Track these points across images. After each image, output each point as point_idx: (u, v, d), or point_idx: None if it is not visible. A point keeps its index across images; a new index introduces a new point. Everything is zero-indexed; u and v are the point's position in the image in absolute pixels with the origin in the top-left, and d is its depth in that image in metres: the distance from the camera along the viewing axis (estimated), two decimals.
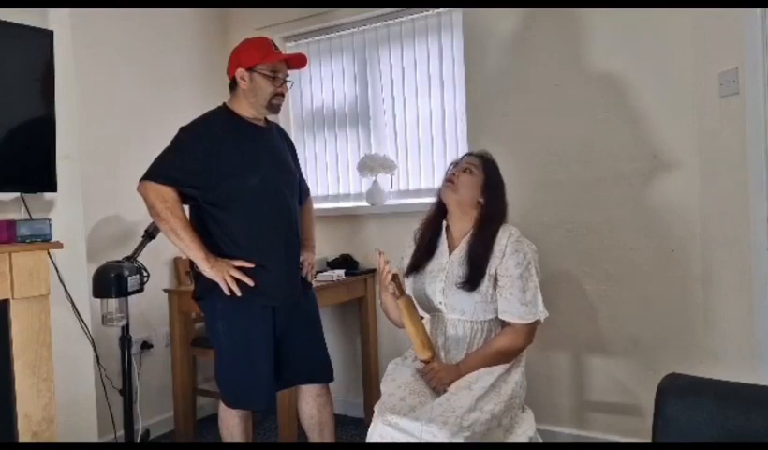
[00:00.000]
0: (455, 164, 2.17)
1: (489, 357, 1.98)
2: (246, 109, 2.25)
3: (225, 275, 2.13)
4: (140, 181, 2.20)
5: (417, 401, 1.87)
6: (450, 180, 2.10)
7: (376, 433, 1.80)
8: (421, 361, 2.03)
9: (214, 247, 2.18)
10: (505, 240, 2.02)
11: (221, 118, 2.25)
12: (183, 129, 2.23)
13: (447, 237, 2.13)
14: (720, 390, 1.43)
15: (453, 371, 1.97)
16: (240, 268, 2.15)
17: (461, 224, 2.10)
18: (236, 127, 2.23)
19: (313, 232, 2.52)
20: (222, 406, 2.30)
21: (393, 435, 1.75)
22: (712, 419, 1.36)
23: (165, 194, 2.14)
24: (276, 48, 2.28)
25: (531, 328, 2.02)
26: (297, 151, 2.52)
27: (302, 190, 2.47)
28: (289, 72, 2.30)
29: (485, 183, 2.08)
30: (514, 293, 1.98)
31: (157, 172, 2.17)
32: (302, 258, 2.35)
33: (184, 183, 2.16)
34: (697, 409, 1.39)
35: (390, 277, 2.05)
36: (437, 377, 1.96)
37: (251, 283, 2.14)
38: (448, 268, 2.07)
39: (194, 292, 2.31)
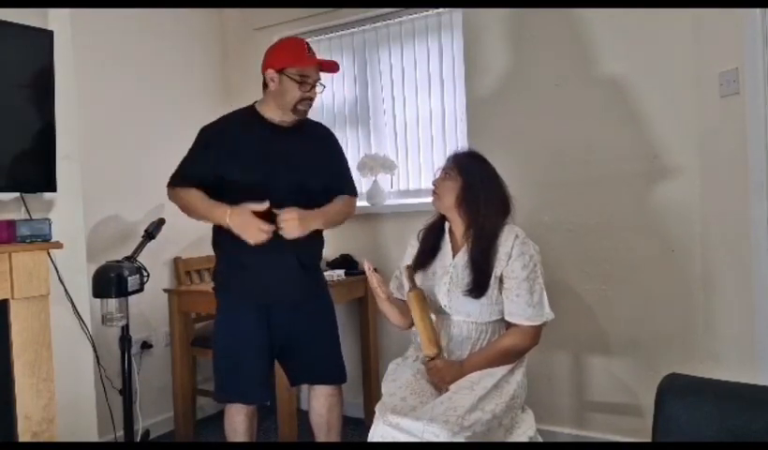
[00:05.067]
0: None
1: (493, 357, 1.98)
2: (273, 110, 2.23)
3: (251, 230, 2.11)
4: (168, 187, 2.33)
5: (418, 401, 1.87)
6: (434, 191, 2.10)
7: (378, 434, 1.80)
8: (426, 356, 2.02)
9: (219, 240, 2.26)
10: (511, 242, 2.00)
11: (240, 117, 2.28)
12: (205, 131, 2.31)
13: (450, 239, 2.13)
14: (720, 390, 1.44)
15: (457, 370, 1.96)
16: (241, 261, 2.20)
17: (460, 227, 2.10)
18: (252, 126, 2.22)
19: (332, 209, 2.33)
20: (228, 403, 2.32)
21: (395, 435, 1.75)
22: (712, 419, 1.36)
23: (178, 190, 2.26)
24: (310, 51, 2.22)
25: (538, 330, 2.01)
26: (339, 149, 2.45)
27: (335, 189, 2.35)
28: (322, 75, 2.25)
29: (463, 187, 2.04)
30: (521, 296, 1.97)
31: (176, 176, 2.29)
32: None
33: (196, 179, 2.23)
34: (697, 409, 1.39)
35: (375, 280, 2.06)
36: (440, 374, 1.96)
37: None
38: (452, 271, 2.06)
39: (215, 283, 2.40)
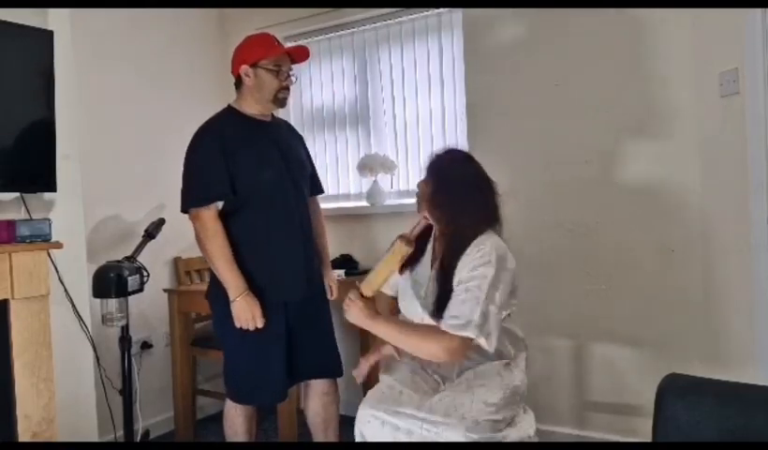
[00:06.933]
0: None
1: (405, 333, 1.80)
2: (252, 105, 2.26)
3: (248, 320, 2.15)
4: (186, 212, 2.24)
5: (417, 398, 1.84)
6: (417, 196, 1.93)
7: (364, 419, 1.79)
8: (359, 292, 1.86)
9: (236, 248, 2.19)
10: (476, 253, 1.77)
11: (226, 119, 2.26)
12: (191, 147, 2.23)
13: (433, 247, 1.95)
14: (720, 390, 1.43)
15: (370, 316, 1.82)
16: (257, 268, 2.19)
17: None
18: (243, 125, 2.24)
19: (327, 245, 2.54)
20: (229, 404, 2.31)
21: (396, 436, 1.75)
22: (712, 419, 1.36)
23: (206, 221, 2.16)
24: (278, 42, 2.28)
25: (452, 342, 1.71)
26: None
27: (314, 184, 2.50)
28: (293, 66, 2.30)
29: (432, 191, 1.85)
30: (454, 301, 1.75)
31: (192, 199, 2.19)
32: (325, 281, 2.43)
33: (218, 196, 2.17)
34: (697, 409, 1.39)
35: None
36: (355, 309, 1.82)
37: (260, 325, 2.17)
38: (427, 284, 1.91)
39: (207, 291, 2.33)
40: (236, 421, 2.29)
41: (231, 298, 2.14)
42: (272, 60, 2.21)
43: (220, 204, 2.19)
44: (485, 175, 1.90)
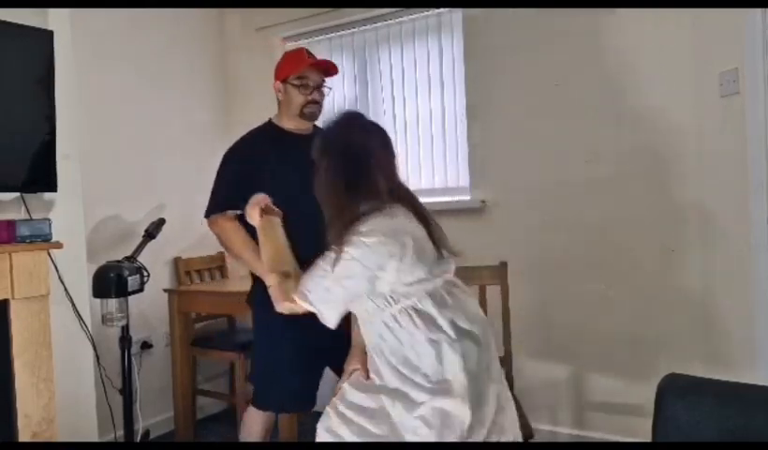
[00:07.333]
0: None
1: (274, 268, 1.81)
2: (287, 120, 2.29)
3: None
4: (207, 219, 2.28)
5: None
6: None
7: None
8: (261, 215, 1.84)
9: None
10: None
11: (260, 134, 2.30)
12: (224, 156, 2.30)
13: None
14: (720, 390, 1.44)
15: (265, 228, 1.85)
16: None
17: None
18: (275, 140, 2.27)
19: None
20: (250, 408, 2.30)
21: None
22: (712, 419, 1.37)
23: (222, 224, 2.21)
24: (309, 54, 2.28)
25: (288, 304, 1.75)
26: None
27: None
28: (326, 79, 2.30)
29: (324, 181, 1.73)
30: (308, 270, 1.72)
31: (210, 206, 2.25)
32: None
33: (229, 205, 2.20)
34: (697, 409, 1.39)
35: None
36: (257, 221, 1.85)
37: None
38: None
39: (249, 296, 2.32)
40: (253, 428, 2.28)
41: (268, 284, 2.13)
42: (297, 75, 2.23)
43: (239, 212, 2.20)
44: (384, 144, 1.75)
